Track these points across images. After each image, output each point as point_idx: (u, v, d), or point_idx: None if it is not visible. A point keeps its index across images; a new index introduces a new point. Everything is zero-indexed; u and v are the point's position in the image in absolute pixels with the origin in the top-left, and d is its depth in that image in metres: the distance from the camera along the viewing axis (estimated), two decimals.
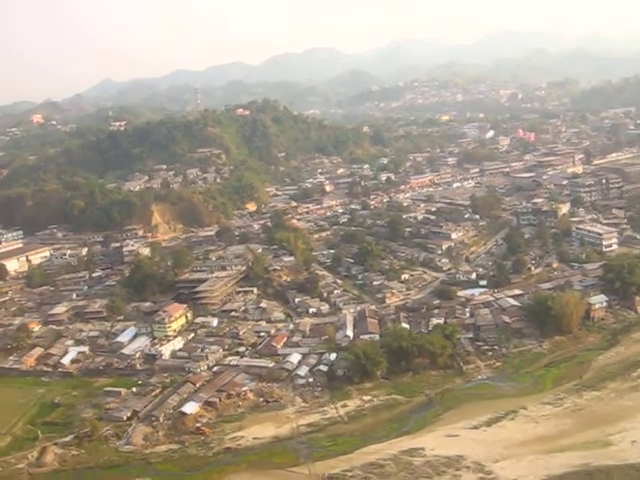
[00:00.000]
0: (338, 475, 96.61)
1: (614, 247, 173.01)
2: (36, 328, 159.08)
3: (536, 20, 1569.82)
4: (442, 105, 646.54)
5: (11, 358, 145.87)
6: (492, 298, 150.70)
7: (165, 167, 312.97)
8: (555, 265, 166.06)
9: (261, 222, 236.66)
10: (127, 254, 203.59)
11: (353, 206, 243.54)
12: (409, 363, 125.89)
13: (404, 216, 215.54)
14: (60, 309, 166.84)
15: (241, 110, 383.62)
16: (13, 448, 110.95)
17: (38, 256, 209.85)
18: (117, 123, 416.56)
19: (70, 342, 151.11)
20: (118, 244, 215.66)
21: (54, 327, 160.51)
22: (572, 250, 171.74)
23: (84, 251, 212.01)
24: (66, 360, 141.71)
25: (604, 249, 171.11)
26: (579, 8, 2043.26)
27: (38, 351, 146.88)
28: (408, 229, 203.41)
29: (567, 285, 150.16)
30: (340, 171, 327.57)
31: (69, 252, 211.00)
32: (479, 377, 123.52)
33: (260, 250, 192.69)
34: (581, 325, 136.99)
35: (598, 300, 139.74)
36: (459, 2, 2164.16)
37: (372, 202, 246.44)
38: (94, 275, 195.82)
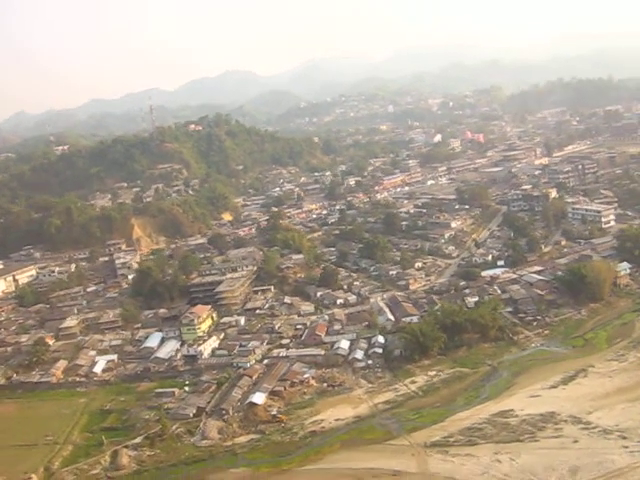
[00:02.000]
0: (440, 442, 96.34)
1: (612, 223, 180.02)
2: (50, 342, 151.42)
3: (448, 35, 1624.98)
4: (374, 117, 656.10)
5: (35, 373, 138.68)
6: (516, 275, 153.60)
7: (126, 185, 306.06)
8: (563, 243, 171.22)
9: (244, 229, 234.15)
10: (120, 267, 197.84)
11: (338, 207, 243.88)
12: (462, 338, 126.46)
13: (395, 211, 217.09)
14: (71, 322, 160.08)
15: (193, 126, 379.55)
16: (79, 456, 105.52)
17: (24, 275, 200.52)
18: (60, 147, 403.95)
19: (93, 352, 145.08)
20: (107, 258, 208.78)
21: (68, 341, 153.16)
22: (575, 228, 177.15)
23: (72, 267, 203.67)
24: (98, 369, 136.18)
25: (603, 225, 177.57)
26: (489, 22, 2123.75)
27: (63, 364, 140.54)
28: (404, 223, 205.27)
29: (585, 257, 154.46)
30: (302, 179, 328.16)
31: (57, 269, 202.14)
32: (533, 345, 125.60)
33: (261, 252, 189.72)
34: (611, 292, 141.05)
35: (623, 267, 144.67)
36: (371, 20, 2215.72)
37: (355, 202, 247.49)
38: (89, 290, 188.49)
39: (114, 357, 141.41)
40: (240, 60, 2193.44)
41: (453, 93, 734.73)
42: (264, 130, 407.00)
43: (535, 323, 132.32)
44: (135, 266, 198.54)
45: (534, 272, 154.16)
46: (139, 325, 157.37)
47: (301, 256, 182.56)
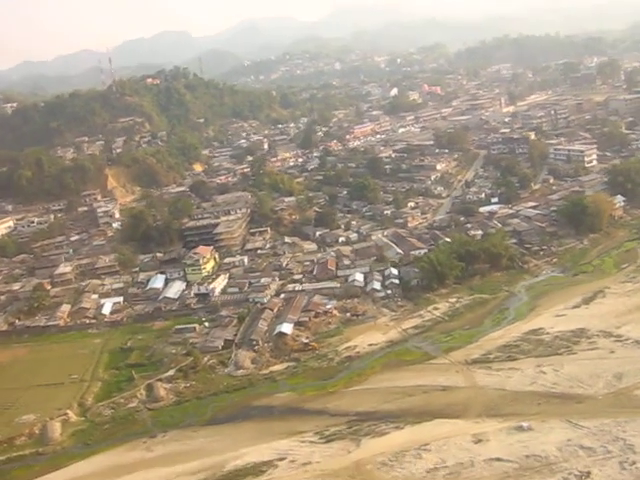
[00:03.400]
0: (480, 359, 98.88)
1: (594, 162, 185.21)
2: (47, 288, 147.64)
3: None
4: (321, 74, 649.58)
5: (38, 317, 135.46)
6: (512, 211, 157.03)
7: (87, 139, 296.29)
8: (551, 181, 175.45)
9: (221, 178, 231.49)
10: (102, 215, 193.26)
11: (315, 154, 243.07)
12: (474, 268, 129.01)
13: (378, 156, 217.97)
14: (65, 269, 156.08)
15: (150, 80, 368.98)
16: (111, 391, 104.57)
17: (2, 227, 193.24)
18: (9, 104, 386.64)
19: (95, 296, 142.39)
20: (86, 208, 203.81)
21: (65, 287, 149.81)
22: (561, 167, 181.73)
23: (52, 218, 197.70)
24: (106, 311, 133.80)
25: (586, 164, 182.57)
26: None
27: (67, 307, 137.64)
28: (388, 166, 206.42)
29: (576, 193, 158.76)
30: (266, 132, 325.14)
31: (37, 220, 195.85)
32: (544, 272, 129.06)
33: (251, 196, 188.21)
34: (608, 223, 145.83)
35: (618, 200, 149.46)
36: None
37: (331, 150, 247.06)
38: (72, 239, 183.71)
39: (120, 299, 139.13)
40: (174, 20, 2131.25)
41: (397, 51, 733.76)
42: (223, 84, 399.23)
43: (542, 252, 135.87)
44: (117, 215, 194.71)
45: (529, 207, 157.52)
46: (137, 269, 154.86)
47: (292, 198, 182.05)
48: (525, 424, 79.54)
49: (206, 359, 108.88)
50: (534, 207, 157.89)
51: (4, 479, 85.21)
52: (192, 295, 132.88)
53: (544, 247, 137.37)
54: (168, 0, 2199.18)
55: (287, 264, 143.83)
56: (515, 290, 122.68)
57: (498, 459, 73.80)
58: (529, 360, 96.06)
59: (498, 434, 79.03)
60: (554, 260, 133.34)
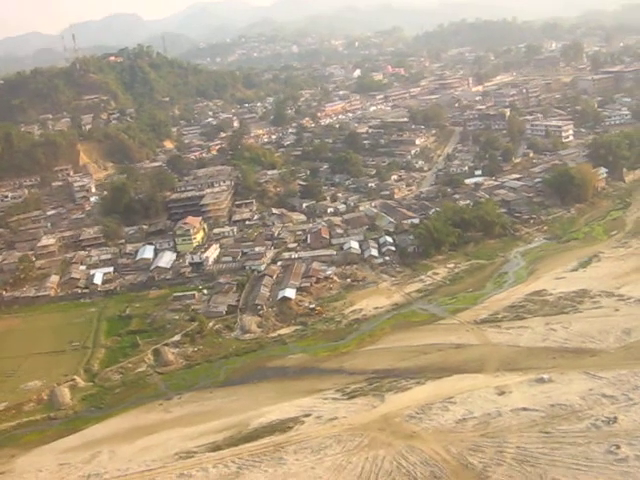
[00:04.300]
0: (488, 319, 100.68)
1: (570, 138, 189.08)
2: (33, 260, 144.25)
3: None
4: (278, 57, 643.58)
5: (26, 288, 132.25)
6: (498, 182, 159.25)
7: (51, 116, 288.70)
8: (531, 154, 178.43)
9: (195, 154, 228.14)
10: (78, 189, 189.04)
11: (291, 130, 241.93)
12: (468, 235, 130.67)
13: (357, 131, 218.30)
14: (49, 241, 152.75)
15: (113, 58, 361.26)
16: (117, 357, 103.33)
17: None
18: None
19: (83, 267, 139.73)
20: (60, 183, 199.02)
21: (49, 259, 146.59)
22: (540, 141, 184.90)
23: (26, 193, 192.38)
24: (97, 281, 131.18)
25: (564, 140, 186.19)
26: None
27: (55, 278, 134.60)
28: (366, 142, 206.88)
29: (557, 166, 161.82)
30: (233, 110, 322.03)
31: (10, 194, 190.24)
32: (536, 239, 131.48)
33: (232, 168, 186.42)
34: (592, 194, 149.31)
35: (602, 172, 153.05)
36: None
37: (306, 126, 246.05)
38: (49, 213, 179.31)
39: (110, 270, 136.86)
40: (122, 3, 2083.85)
41: (353, 35, 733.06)
42: (187, 63, 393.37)
43: (531, 221, 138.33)
44: (94, 189, 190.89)
45: (514, 179, 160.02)
46: (122, 241, 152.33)
47: (275, 171, 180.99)
48: (545, 376, 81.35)
49: (211, 324, 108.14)
50: (518, 179, 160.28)
51: (17, 444, 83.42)
52: (187, 264, 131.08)
53: (533, 216, 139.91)
54: None
55: (279, 234, 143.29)
56: (510, 256, 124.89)
57: (524, 409, 75.36)
58: (537, 319, 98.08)
59: (520, 386, 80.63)
60: (544, 228, 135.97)
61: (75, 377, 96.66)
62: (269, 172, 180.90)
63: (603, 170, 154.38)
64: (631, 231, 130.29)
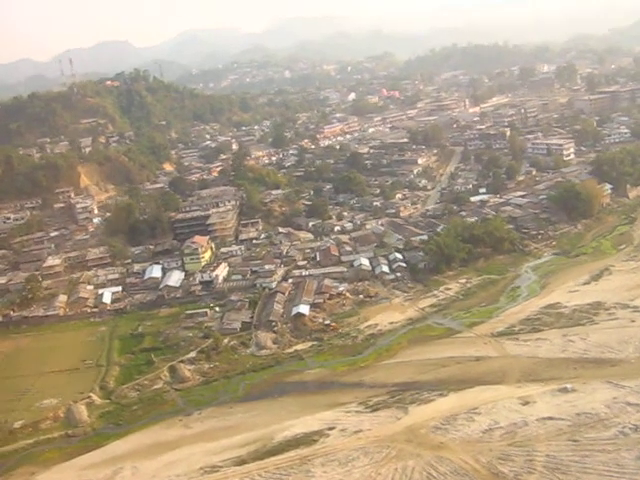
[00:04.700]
0: (505, 332, 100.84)
1: (572, 156, 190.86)
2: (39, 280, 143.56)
3: (326, 6, 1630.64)
4: (271, 82, 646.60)
5: (34, 308, 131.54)
6: (503, 200, 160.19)
7: (49, 140, 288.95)
8: (534, 172, 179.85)
9: (195, 176, 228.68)
10: (81, 211, 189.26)
11: (291, 151, 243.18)
12: (478, 251, 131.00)
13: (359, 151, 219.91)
14: (54, 261, 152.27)
15: (109, 82, 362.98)
16: (132, 374, 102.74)
17: None
18: None
19: (90, 287, 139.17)
20: (62, 205, 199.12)
21: (55, 279, 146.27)
22: (542, 159, 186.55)
23: (28, 214, 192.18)
24: (107, 300, 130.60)
25: (565, 158, 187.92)
26: None
27: (64, 298, 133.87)
28: (368, 162, 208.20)
29: (561, 183, 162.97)
30: (231, 133, 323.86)
31: (13, 216, 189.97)
32: (545, 254, 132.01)
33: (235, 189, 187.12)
34: (598, 209, 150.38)
35: (606, 188, 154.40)
36: None
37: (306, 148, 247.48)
38: (52, 235, 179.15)
39: (118, 289, 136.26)
40: (113, 30, 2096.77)
41: (345, 60, 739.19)
42: (183, 87, 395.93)
43: (539, 237, 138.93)
44: (96, 211, 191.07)
45: (518, 196, 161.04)
46: (129, 260, 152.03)
47: (280, 191, 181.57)
48: (569, 386, 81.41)
49: (226, 341, 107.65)
50: (523, 196, 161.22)
51: (35, 461, 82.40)
52: (197, 282, 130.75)
53: (541, 232, 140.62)
54: (105, 11, 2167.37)
55: (287, 252, 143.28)
56: (521, 271, 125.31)
57: (550, 418, 75.32)
58: (554, 331, 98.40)
59: (543, 396, 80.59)
60: (553, 243, 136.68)
61: (91, 395, 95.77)
62: (273, 192, 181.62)
63: (608, 186, 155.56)
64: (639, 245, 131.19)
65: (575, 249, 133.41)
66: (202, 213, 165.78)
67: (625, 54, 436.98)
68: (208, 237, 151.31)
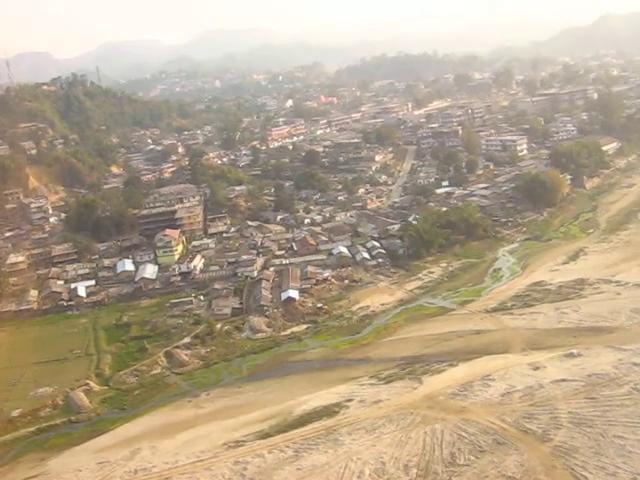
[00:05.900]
0: (499, 307, 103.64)
1: (525, 152, 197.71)
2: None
3: (251, 18, 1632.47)
4: (201, 91, 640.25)
5: (4, 303, 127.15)
6: (467, 191, 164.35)
7: None
8: (492, 167, 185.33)
9: (148, 176, 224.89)
10: (36, 211, 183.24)
11: (244, 152, 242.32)
12: (453, 237, 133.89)
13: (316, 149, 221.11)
14: (18, 258, 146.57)
15: (46, 87, 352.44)
16: (126, 361, 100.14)
17: None
18: None
19: (61, 282, 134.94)
20: (14, 205, 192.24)
21: (21, 275, 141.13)
22: (498, 155, 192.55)
23: None
24: (82, 294, 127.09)
25: (519, 153, 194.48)
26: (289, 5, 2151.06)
27: (34, 293, 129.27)
28: (325, 160, 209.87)
29: (520, 176, 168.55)
30: (171, 139, 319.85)
31: None
32: (519, 239, 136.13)
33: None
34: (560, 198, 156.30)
35: (567, 178, 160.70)
36: (163, 5, 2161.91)
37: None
38: (7, 235, 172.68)
39: (92, 283, 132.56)
40: (32, 42, 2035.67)
41: (273, 70, 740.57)
42: (121, 92, 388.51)
43: (509, 224, 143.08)
44: (51, 211, 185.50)
45: (481, 188, 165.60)
46: (96, 256, 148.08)
47: (243, 187, 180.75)
48: (575, 351, 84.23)
49: (219, 326, 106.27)
50: (485, 188, 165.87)
51: (42, 448, 79.54)
52: (177, 273, 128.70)
53: (510, 219, 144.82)
54: (23, 22, 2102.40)
55: (262, 243, 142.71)
56: (499, 254, 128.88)
57: (563, 380, 77.68)
58: (545, 305, 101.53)
59: (551, 361, 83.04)
60: (523, 230, 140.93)
61: (88, 382, 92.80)
62: (237, 188, 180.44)
63: (568, 177, 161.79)
64: (607, 229, 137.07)
65: (546, 234, 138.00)
66: (168, 209, 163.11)
67: (552, 63, 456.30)
68: (179, 231, 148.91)
